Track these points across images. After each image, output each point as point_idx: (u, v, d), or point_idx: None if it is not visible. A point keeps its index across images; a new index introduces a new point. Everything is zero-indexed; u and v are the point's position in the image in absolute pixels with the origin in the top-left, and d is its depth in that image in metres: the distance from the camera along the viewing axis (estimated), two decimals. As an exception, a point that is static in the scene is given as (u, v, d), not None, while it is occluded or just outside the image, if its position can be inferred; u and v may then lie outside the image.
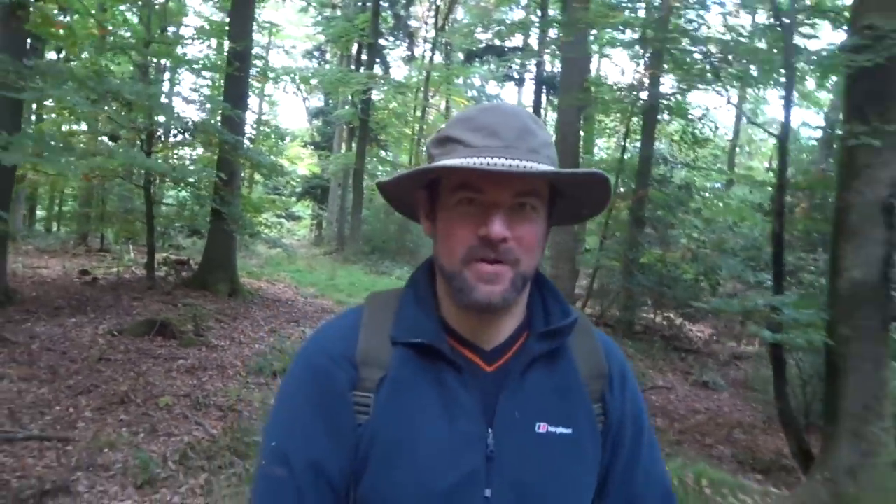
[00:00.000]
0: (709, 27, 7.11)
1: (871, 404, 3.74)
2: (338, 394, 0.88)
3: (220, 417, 4.78)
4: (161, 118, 8.81)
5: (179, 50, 9.75)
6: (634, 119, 10.00)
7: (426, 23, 24.95)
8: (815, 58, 4.90)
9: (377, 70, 21.11)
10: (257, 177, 16.48)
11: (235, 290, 9.35)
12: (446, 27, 22.40)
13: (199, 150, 11.08)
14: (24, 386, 4.96)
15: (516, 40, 22.63)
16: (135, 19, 11.55)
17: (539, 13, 15.61)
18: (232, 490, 3.60)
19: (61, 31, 6.25)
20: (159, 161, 8.97)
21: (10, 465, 3.64)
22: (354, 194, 18.47)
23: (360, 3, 19.68)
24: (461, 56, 22.52)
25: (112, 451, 3.88)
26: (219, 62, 9.96)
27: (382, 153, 24.25)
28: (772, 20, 5.66)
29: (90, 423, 4.37)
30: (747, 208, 8.00)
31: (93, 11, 8.07)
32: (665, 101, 9.12)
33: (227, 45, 9.83)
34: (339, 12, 21.43)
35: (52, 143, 6.65)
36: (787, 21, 4.86)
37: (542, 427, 0.90)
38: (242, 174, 11.60)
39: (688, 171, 9.71)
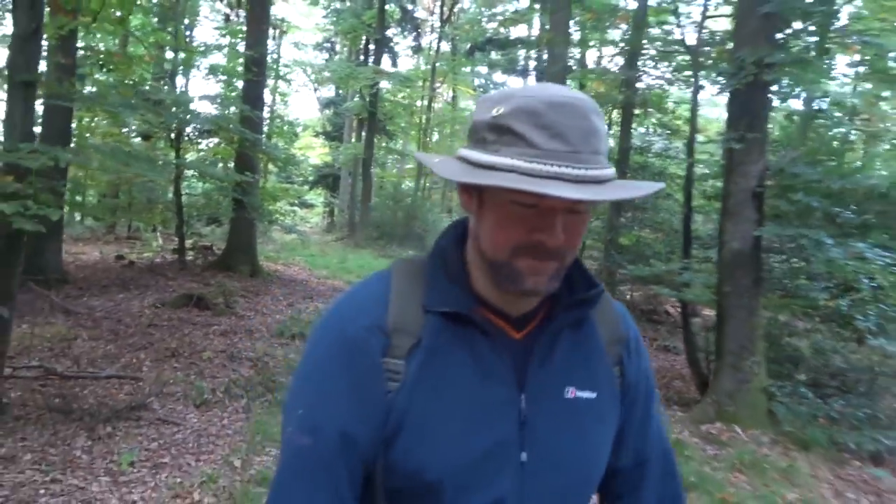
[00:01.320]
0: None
1: (746, 344, 5.03)
2: (369, 361, 0.88)
3: (251, 367, 6.14)
4: (188, 119, 10.20)
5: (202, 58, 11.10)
6: (614, 112, 11.26)
7: (433, 13, 26.13)
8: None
9: (385, 61, 22.42)
10: (271, 167, 17.81)
11: (256, 272, 10.76)
12: (452, 18, 23.58)
13: (217, 142, 12.43)
14: (94, 344, 6.36)
15: (521, 30, 23.82)
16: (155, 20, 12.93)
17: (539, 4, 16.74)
18: (265, 411, 4.96)
19: (118, 60, 7.56)
20: (187, 158, 10.39)
21: (101, 393, 5.04)
22: (364, 183, 19.81)
23: (368, -2, 20.87)
24: (467, 46, 23.69)
25: (173, 385, 5.27)
26: (237, 67, 11.27)
27: (391, 143, 25.52)
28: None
29: (152, 368, 5.75)
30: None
31: (140, 36, 9.45)
32: (641, 95, 10.36)
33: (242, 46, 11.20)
34: (348, 4, 22.65)
35: (99, 147, 8.03)
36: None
37: (571, 392, 0.94)
38: (260, 166, 12.96)
39: (661, 161, 10.92)
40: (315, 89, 30.51)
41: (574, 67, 14.36)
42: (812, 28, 5.20)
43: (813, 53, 5.22)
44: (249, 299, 9.08)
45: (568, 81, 11.68)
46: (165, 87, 10.30)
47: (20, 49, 4.17)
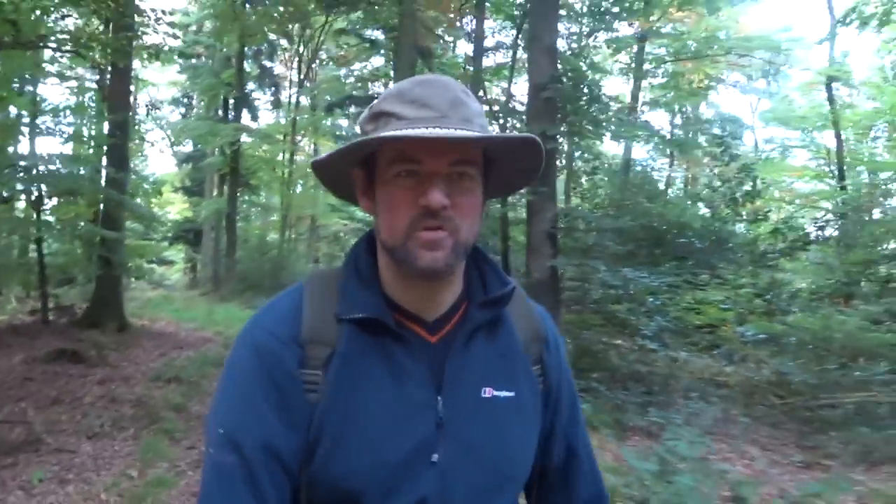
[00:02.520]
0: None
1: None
2: (286, 373, 0.91)
3: (132, 406, 6.84)
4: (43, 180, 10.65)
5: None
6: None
7: (291, 69, 27.30)
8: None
9: (245, 116, 23.24)
10: (131, 224, 18.05)
11: (124, 326, 11.22)
12: (310, 74, 24.88)
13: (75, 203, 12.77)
14: (-28, 398, 6.82)
15: (379, 87, 25.49)
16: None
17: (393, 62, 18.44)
18: (152, 437, 5.77)
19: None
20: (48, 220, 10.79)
21: (-7, 435, 5.63)
22: (228, 235, 20.36)
23: (225, 57, 21.72)
24: (328, 99, 24.97)
25: (63, 424, 5.94)
26: (99, 132, 11.86)
27: (254, 197, 26.14)
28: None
29: (37, 413, 6.35)
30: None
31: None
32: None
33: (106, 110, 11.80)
34: (204, 59, 23.30)
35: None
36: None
37: (488, 392, 0.98)
38: (124, 224, 13.40)
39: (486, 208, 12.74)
40: (171, 144, 30.59)
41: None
42: (586, 107, 6.96)
43: (588, 126, 6.96)
44: (121, 352, 9.60)
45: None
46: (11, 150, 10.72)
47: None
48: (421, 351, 0.96)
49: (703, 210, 19.09)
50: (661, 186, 22.41)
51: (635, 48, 15.69)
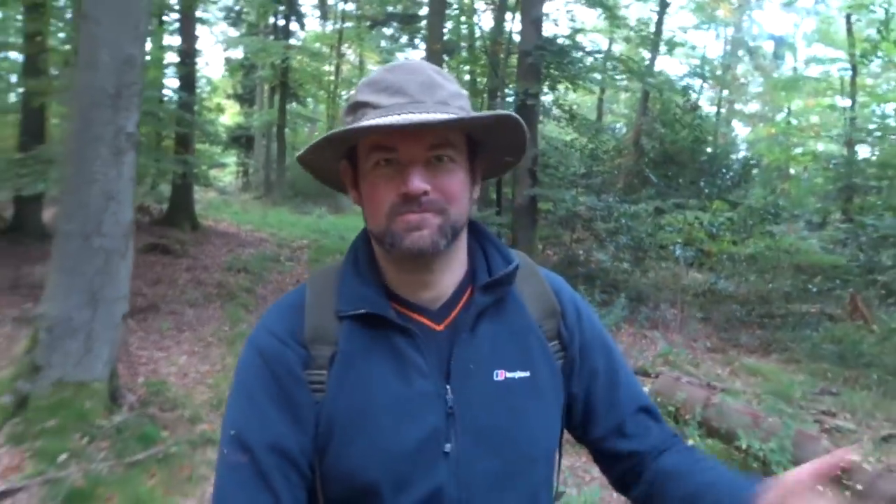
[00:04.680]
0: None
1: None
2: (291, 374, 0.95)
3: (214, 287, 9.46)
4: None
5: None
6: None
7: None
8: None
9: (293, 25, 25.12)
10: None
11: (196, 226, 13.88)
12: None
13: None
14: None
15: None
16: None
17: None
18: (233, 307, 8.34)
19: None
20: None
21: (124, 302, 8.28)
22: (278, 146, 22.79)
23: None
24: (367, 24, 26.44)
25: (168, 297, 8.55)
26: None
27: (302, 109, 28.38)
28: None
29: (149, 289, 8.98)
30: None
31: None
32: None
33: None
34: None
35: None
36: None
37: (501, 374, 0.99)
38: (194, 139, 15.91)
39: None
40: (225, 49, 32.62)
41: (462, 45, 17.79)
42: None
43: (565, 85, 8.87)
44: (197, 247, 12.26)
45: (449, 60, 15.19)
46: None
47: None
48: (427, 341, 0.97)
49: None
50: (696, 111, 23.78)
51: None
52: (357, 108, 0.94)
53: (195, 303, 8.39)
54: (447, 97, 0.92)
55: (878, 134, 14.96)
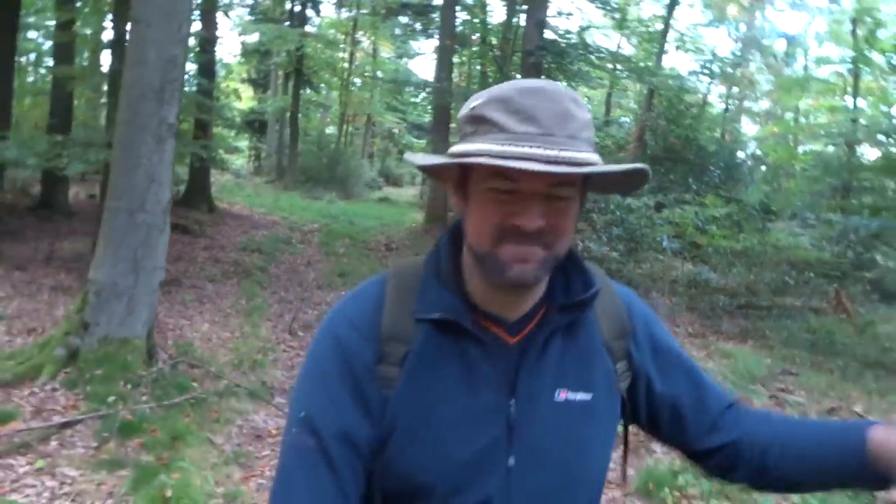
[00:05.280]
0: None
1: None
2: (365, 367, 0.98)
3: (230, 265, 10.19)
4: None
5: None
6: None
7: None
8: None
9: (309, 12, 25.76)
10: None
11: (212, 208, 14.63)
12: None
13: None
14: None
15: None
16: None
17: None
18: (249, 284, 9.06)
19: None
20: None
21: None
22: (291, 131, 23.52)
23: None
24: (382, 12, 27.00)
25: (188, 273, 9.30)
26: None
27: (316, 96, 29.07)
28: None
29: (171, 265, 9.72)
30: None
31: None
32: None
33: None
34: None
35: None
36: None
37: (562, 394, 1.01)
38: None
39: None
40: (241, 34, 33.33)
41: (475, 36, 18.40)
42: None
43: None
44: (214, 228, 13.01)
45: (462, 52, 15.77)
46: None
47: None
48: (498, 353, 0.99)
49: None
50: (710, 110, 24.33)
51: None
52: (480, 121, 0.92)
53: (214, 279, 9.13)
54: (577, 130, 0.89)
55: (881, 137, 15.51)
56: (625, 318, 1.10)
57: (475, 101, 0.93)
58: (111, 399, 4.52)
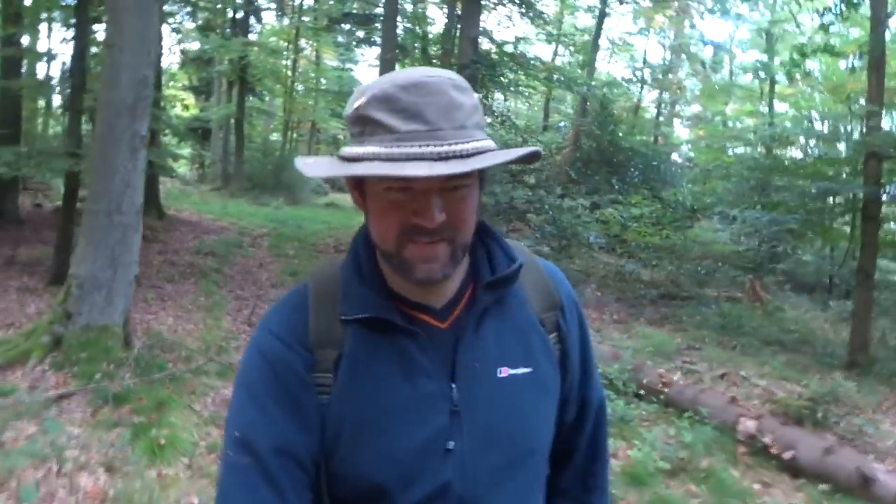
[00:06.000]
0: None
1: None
2: (296, 376, 0.98)
3: (186, 267, 10.82)
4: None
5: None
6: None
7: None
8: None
9: (251, 20, 26.31)
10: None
11: (162, 215, 15.14)
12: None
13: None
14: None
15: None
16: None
17: None
18: (205, 283, 9.73)
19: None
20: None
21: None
22: (237, 139, 24.00)
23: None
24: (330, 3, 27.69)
25: (147, 274, 9.90)
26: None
27: (260, 103, 29.56)
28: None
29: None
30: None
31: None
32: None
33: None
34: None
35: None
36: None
37: (504, 371, 1.03)
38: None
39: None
40: (180, 41, 33.49)
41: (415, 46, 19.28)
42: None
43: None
44: (165, 233, 13.56)
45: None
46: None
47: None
48: (432, 340, 1.01)
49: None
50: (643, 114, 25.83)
51: None
52: (366, 122, 0.90)
53: (172, 279, 9.78)
54: (465, 118, 0.89)
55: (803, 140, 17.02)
56: (553, 293, 1.13)
57: (358, 100, 0.92)
58: (98, 377, 5.23)
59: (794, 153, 19.43)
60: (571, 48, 18.70)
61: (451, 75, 0.93)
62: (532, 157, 0.90)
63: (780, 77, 17.39)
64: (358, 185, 1.00)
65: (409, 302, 1.03)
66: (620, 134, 19.09)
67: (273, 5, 29.86)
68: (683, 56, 29.63)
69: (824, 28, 9.86)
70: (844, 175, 11.77)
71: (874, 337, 9.68)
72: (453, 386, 1.00)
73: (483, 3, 10.72)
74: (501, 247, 1.08)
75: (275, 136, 31.92)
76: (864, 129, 9.26)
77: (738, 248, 13.47)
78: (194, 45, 32.97)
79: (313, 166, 0.99)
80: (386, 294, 1.02)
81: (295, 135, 32.05)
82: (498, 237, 1.09)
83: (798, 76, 12.11)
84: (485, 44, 14.63)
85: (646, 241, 13.09)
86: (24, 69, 14.13)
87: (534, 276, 1.12)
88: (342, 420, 0.98)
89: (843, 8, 8.25)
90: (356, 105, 0.92)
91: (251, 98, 28.36)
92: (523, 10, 13.32)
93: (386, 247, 0.96)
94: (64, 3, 10.37)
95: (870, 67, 8.26)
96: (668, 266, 13.00)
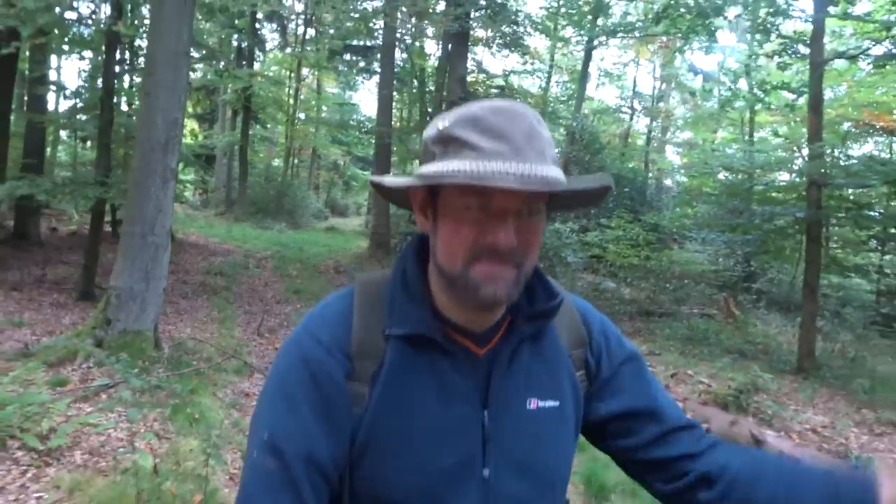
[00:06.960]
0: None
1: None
2: (333, 384, 0.98)
3: (199, 285, 11.92)
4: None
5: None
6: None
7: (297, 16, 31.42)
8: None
9: (255, 51, 27.70)
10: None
11: (171, 237, 16.27)
12: (313, 18, 29.08)
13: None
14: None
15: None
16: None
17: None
18: (217, 300, 10.84)
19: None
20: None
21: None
22: (240, 166, 25.26)
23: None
24: (332, 32, 29.04)
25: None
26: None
27: (263, 131, 30.95)
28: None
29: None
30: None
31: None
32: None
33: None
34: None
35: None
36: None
37: (533, 403, 1.05)
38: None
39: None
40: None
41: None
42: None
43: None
44: (175, 255, 14.64)
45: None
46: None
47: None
48: (468, 364, 1.02)
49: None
50: (636, 141, 27.06)
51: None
52: (450, 141, 0.92)
53: (186, 296, 10.90)
54: (544, 146, 0.91)
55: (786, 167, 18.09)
56: (581, 330, 1.15)
57: (443, 122, 0.95)
58: (136, 371, 6.32)
59: (783, 177, 20.55)
60: (561, 81, 19.90)
61: (531, 108, 0.96)
62: (606, 190, 0.99)
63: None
64: (427, 207, 1.02)
65: (451, 324, 1.04)
66: (608, 161, 20.29)
67: (276, 35, 31.43)
68: (673, 85, 31.03)
69: (781, 67, 11.11)
70: (793, 201, 12.89)
71: (834, 348, 10.79)
72: (485, 412, 1.02)
73: (472, 42, 11.86)
74: (542, 281, 1.11)
75: (277, 162, 33.23)
76: (808, 159, 10.40)
77: (716, 268, 14.56)
78: (198, 74, 34.64)
79: (392, 180, 1.04)
80: (431, 313, 1.04)
81: (296, 160, 33.36)
82: (540, 274, 1.11)
83: (759, 107, 13.26)
84: (477, 74, 15.94)
85: (626, 262, 14.20)
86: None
87: (565, 312, 1.15)
88: (373, 434, 0.99)
89: (788, 55, 9.43)
90: (441, 126, 0.95)
91: (255, 126, 29.74)
92: (512, 49, 14.51)
93: (453, 265, 0.97)
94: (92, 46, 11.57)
95: (809, 108, 9.42)
96: (646, 285, 14.10)
